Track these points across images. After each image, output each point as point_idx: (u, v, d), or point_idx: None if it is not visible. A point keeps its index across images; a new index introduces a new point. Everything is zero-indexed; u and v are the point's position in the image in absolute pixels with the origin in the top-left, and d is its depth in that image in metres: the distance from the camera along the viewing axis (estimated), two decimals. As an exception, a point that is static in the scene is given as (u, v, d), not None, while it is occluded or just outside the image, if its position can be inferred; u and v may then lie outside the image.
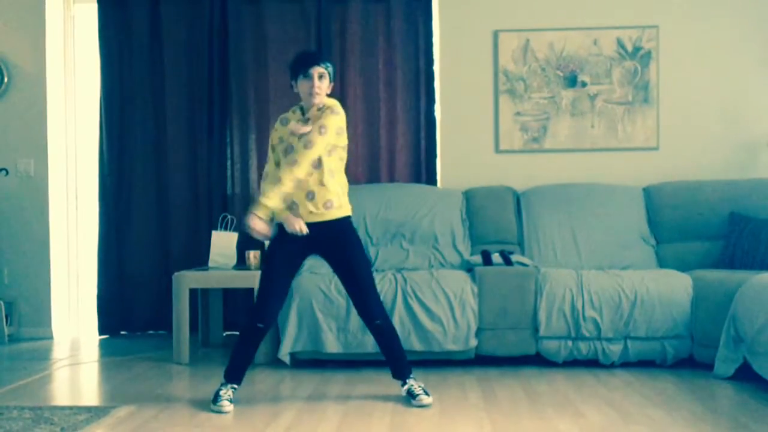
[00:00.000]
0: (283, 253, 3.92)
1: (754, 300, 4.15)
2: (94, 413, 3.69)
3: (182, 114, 6.07)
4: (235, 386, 3.91)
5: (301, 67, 3.92)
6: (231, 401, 3.81)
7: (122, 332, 6.12)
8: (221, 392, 3.83)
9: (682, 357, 4.67)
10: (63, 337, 6.02)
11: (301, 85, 3.94)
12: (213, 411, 3.75)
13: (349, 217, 3.97)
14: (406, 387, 3.94)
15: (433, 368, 4.67)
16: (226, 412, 3.73)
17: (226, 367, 3.93)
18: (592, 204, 5.49)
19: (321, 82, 3.92)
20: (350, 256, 3.93)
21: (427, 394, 3.89)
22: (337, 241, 3.93)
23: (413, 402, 3.85)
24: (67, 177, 6.26)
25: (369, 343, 4.59)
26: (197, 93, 6.04)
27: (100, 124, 6.07)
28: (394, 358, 4.02)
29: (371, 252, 5.36)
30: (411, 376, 4.00)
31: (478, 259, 5.08)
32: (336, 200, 3.88)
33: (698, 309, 4.60)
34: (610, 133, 5.86)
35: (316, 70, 3.90)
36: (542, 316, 4.66)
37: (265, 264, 3.99)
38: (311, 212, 3.85)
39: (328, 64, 3.97)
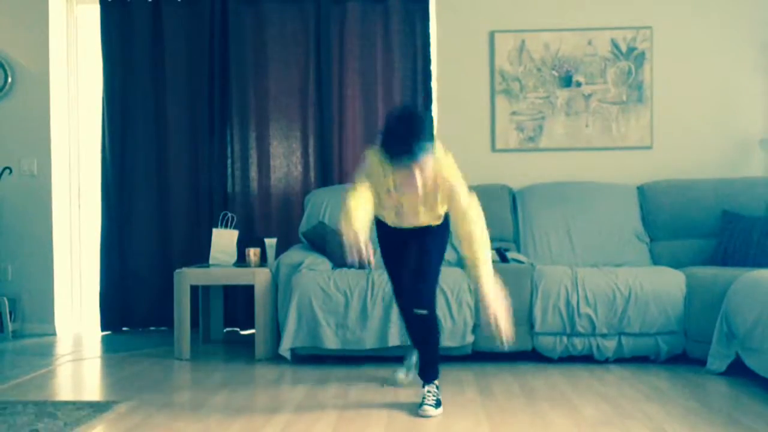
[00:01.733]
0: (387, 242, 3.90)
1: (746, 296, 4.15)
2: (97, 408, 3.68)
3: (183, 113, 6.05)
4: (436, 383, 3.76)
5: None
6: (437, 402, 3.65)
7: (124, 328, 6.11)
8: (427, 395, 3.68)
9: (675, 353, 4.67)
10: (66, 333, 6.01)
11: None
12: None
13: (443, 224, 3.84)
14: (424, 390, 3.71)
15: (431, 364, 4.66)
16: (429, 416, 3.56)
17: (420, 368, 3.87)
18: (586, 202, 5.49)
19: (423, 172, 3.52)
20: (426, 240, 3.80)
21: (436, 406, 3.60)
22: (424, 230, 3.81)
23: (419, 411, 3.58)
24: (70, 175, 6.25)
25: (367, 340, 4.59)
26: (198, 92, 6.03)
27: (102, 123, 6.06)
28: (421, 358, 3.87)
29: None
30: (433, 381, 3.75)
31: (474, 256, 5.07)
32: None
33: (691, 305, 4.60)
34: (604, 132, 5.85)
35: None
36: (538, 312, 4.65)
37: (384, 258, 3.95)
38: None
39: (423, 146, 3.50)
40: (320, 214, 5.45)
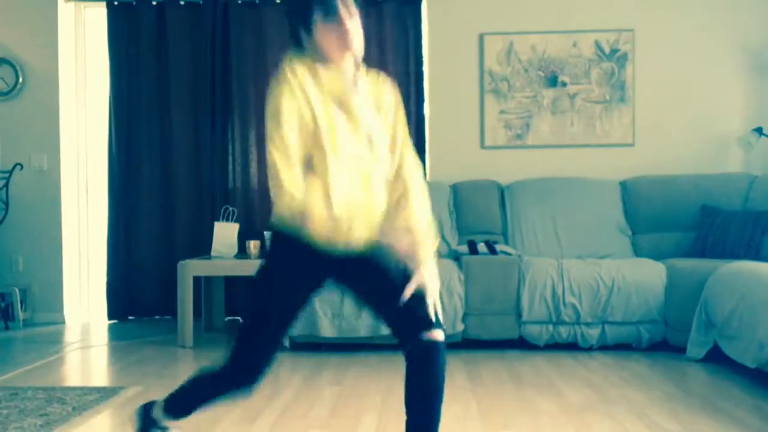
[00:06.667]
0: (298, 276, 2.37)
1: (724, 287, 4.14)
2: (104, 393, 3.66)
3: (186, 112, 6.02)
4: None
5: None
6: None
7: (130, 317, 6.08)
8: None
9: (656, 340, 4.66)
10: (74, 322, 5.98)
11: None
12: None
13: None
14: None
15: (423, 351, 4.65)
16: None
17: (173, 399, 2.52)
18: (571, 197, 5.47)
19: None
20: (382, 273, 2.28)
21: None
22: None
23: None
24: (78, 171, 6.21)
25: (361, 328, 4.58)
26: (201, 93, 5.99)
27: (109, 121, 6.02)
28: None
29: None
30: None
31: (464, 248, 5.06)
32: None
33: (672, 295, 4.59)
34: (588, 130, 5.83)
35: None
36: (525, 302, 4.64)
37: None
38: None
39: None
40: (317, 208, 5.42)
